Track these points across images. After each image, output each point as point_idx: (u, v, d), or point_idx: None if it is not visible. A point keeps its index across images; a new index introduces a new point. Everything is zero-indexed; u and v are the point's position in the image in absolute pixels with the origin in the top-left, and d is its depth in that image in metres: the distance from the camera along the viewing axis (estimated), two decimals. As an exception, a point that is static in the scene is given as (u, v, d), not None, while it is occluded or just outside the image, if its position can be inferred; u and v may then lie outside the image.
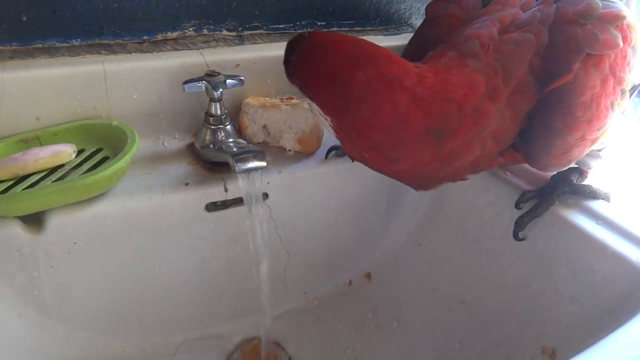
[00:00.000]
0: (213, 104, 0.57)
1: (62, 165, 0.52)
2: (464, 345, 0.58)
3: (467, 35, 0.45)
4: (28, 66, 0.53)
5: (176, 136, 0.62)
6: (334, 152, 0.61)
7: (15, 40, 0.55)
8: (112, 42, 0.59)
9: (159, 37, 0.62)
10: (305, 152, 0.62)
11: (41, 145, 0.54)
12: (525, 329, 0.53)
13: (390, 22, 0.76)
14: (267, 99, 0.63)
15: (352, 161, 0.60)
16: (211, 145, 0.56)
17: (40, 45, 0.56)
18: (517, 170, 0.58)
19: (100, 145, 0.56)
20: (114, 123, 0.56)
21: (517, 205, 0.54)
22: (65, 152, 0.52)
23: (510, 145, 0.45)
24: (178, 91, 0.59)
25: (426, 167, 0.42)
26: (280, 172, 0.58)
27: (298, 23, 0.69)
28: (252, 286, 0.56)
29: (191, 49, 0.62)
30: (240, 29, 0.66)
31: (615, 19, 0.44)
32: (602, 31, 0.43)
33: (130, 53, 0.59)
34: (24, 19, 0.54)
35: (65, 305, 0.53)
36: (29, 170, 0.50)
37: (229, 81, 0.56)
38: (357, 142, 0.41)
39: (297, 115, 0.60)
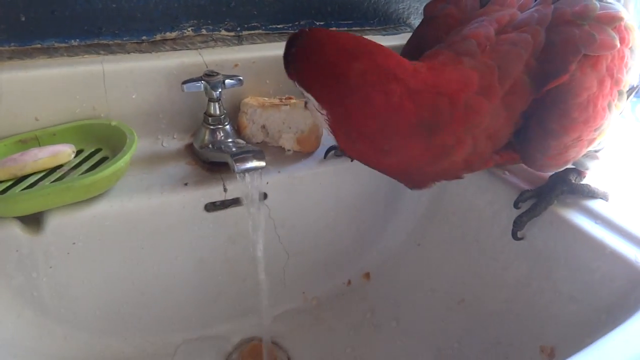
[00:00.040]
0: (212, 104, 0.57)
1: (61, 166, 0.52)
2: (463, 344, 0.58)
3: (463, 35, 0.45)
4: (27, 66, 0.53)
5: (175, 136, 0.62)
6: (332, 152, 0.61)
7: (13, 41, 0.55)
8: (110, 42, 0.59)
9: (158, 37, 0.62)
10: (304, 152, 0.62)
11: (40, 145, 0.54)
12: (524, 328, 0.53)
13: (388, 22, 0.76)
14: (266, 99, 0.63)
15: (352, 161, 0.60)
16: (210, 145, 0.56)
17: (38, 46, 0.56)
18: (516, 170, 0.58)
19: (99, 145, 0.56)
20: (113, 123, 0.56)
21: (516, 205, 0.54)
22: (64, 152, 0.52)
23: (506, 145, 0.45)
24: (177, 91, 0.59)
25: (418, 161, 0.43)
26: (279, 172, 0.59)
27: (297, 23, 0.69)
28: (251, 286, 0.56)
29: (190, 49, 0.62)
30: (238, 29, 0.66)
31: (612, 20, 0.44)
32: (600, 32, 0.43)
33: (128, 53, 0.59)
34: (23, 19, 0.54)
35: (64, 306, 0.53)
36: (28, 170, 0.50)
37: (227, 81, 0.56)
38: (350, 133, 0.42)
39: (296, 115, 0.60)
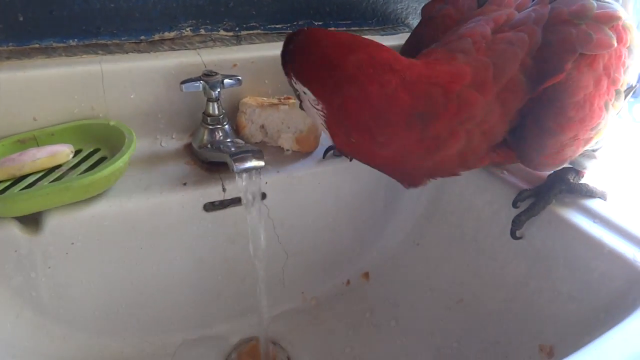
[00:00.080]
0: (210, 103, 0.57)
1: (59, 166, 0.52)
2: (462, 343, 0.58)
3: (460, 34, 0.46)
4: (25, 66, 0.53)
5: (174, 136, 0.62)
6: (331, 151, 0.61)
7: (11, 41, 0.55)
8: (109, 42, 0.59)
9: (156, 37, 0.62)
10: (303, 151, 0.62)
11: (38, 145, 0.54)
12: (523, 327, 0.53)
13: (387, 22, 0.76)
14: (264, 98, 0.63)
15: (350, 160, 0.60)
16: (209, 145, 0.56)
17: (37, 46, 0.56)
18: (514, 170, 0.58)
19: (98, 145, 0.56)
20: (112, 123, 0.56)
21: (515, 204, 0.54)
22: (63, 152, 0.52)
23: (502, 142, 0.46)
24: (175, 91, 0.59)
25: (412, 154, 0.43)
26: (278, 171, 0.59)
27: (295, 23, 0.69)
28: (250, 286, 0.56)
29: (188, 49, 0.62)
30: (237, 29, 0.66)
31: (610, 20, 0.44)
32: (597, 31, 0.43)
33: (127, 53, 0.59)
34: (21, 19, 0.54)
35: (63, 306, 0.53)
36: (26, 170, 0.50)
37: (226, 81, 0.56)
38: (346, 125, 0.42)
39: (295, 115, 0.60)
